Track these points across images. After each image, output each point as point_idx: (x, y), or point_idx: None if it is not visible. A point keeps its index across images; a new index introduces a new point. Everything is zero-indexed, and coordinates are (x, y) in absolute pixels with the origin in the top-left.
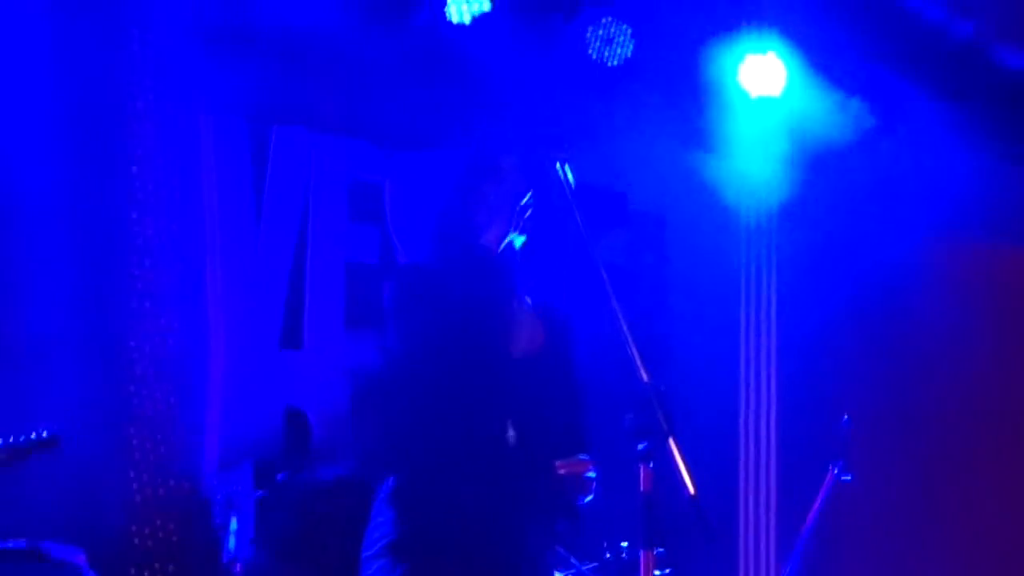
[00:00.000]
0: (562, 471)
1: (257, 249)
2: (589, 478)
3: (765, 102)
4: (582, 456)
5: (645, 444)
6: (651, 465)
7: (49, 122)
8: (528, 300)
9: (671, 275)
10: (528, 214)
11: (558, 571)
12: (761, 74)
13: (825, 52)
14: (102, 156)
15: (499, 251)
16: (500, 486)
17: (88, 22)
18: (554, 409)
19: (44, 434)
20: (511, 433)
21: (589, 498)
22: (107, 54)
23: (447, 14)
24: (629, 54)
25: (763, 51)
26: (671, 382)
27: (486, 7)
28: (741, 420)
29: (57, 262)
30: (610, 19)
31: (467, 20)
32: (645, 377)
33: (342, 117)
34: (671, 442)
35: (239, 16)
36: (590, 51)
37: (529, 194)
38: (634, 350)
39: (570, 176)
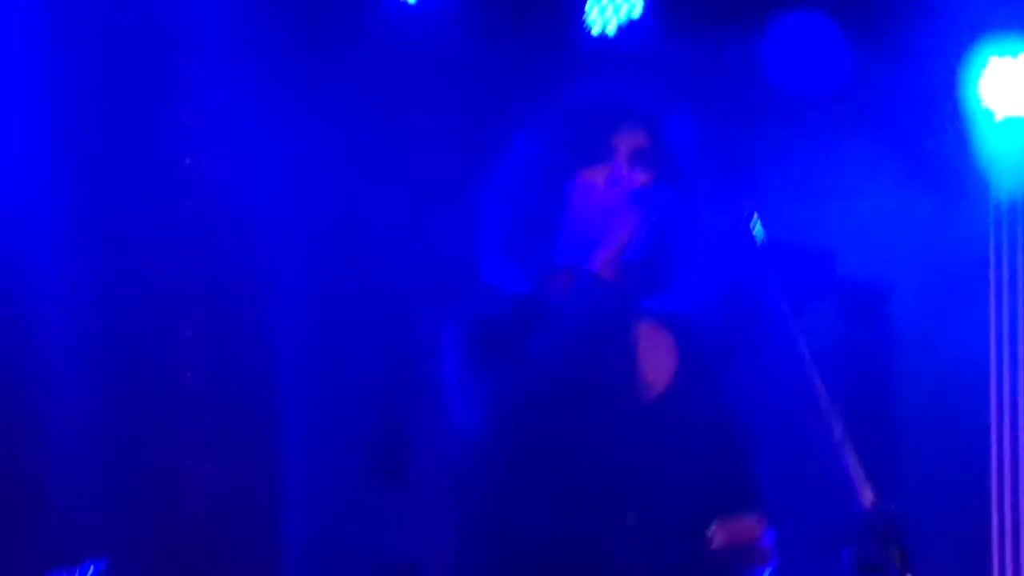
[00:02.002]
0: (718, 539)
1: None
2: (762, 545)
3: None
4: (748, 515)
5: None
6: None
7: None
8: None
9: (900, 360)
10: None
11: None
12: (1012, 87)
13: None
14: None
15: (608, 277)
16: None
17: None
18: (702, 457)
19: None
20: (631, 516)
21: (767, 573)
22: None
23: (587, 23)
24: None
25: (1013, 55)
26: (904, 504)
27: (637, 13)
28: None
29: None
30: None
31: (612, 30)
32: (869, 497)
33: None
34: None
35: None
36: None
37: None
38: (853, 461)
39: (759, 232)
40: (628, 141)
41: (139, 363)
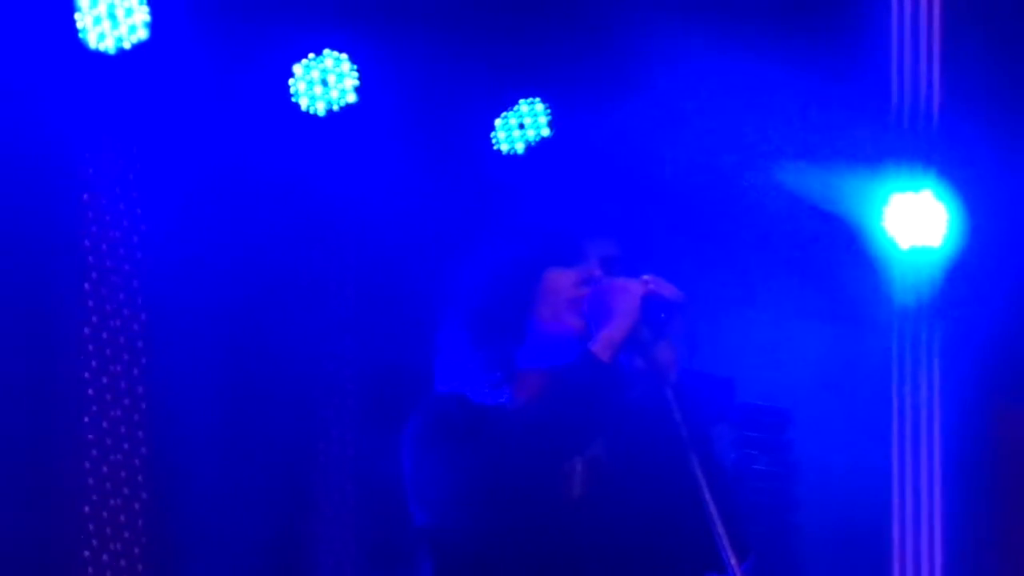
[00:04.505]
0: None
1: None
2: None
3: (920, 254)
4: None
5: None
6: None
7: None
8: None
9: (798, 489)
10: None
11: None
12: (916, 219)
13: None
14: None
15: (605, 360)
16: None
17: None
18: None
19: None
20: None
21: None
22: None
23: (494, 141)
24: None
25: (916, 190)
26: None
27: (545, 132)
28: None
29: None
30: None
31: (520, 149)
32: None
33: None
34: None
35: None
36: None
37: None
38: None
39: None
40: (599, 247)
41: None
